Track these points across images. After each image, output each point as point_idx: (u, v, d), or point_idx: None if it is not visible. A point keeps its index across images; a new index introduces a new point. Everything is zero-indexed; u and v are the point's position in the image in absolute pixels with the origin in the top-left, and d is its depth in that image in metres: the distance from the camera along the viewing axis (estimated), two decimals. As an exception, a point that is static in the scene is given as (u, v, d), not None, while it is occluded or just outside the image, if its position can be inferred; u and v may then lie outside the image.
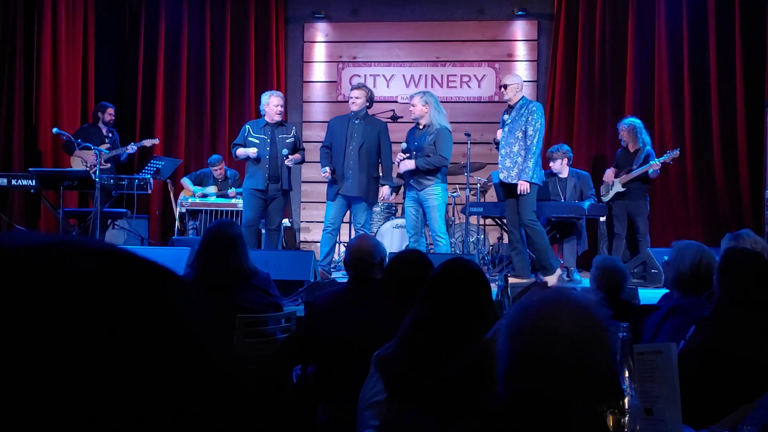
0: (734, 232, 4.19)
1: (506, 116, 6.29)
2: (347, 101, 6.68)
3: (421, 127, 6.31)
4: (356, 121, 6.44)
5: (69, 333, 0.39)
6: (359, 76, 9.03)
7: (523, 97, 6.28)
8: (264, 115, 6.57)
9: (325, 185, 6.61)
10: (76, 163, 7.68)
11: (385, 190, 6.53)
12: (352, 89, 6.62)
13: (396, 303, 2.89)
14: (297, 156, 6.58)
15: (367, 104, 6.51)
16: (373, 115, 6.68)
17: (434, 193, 6.24)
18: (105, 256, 0.44)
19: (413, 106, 6.30)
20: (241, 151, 6.54)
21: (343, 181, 6.37)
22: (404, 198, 6.57)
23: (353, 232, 6.54)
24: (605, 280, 3.84)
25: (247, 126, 6.72)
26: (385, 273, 2.92)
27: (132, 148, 7.70)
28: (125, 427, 0.38)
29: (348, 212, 6.60)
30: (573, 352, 1.23)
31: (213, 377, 0.44)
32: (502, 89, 6.32)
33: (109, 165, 7.51)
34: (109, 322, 0.40)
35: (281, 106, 6.59)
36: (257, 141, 6.50)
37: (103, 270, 0.42)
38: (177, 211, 8.24)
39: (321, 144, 6.72)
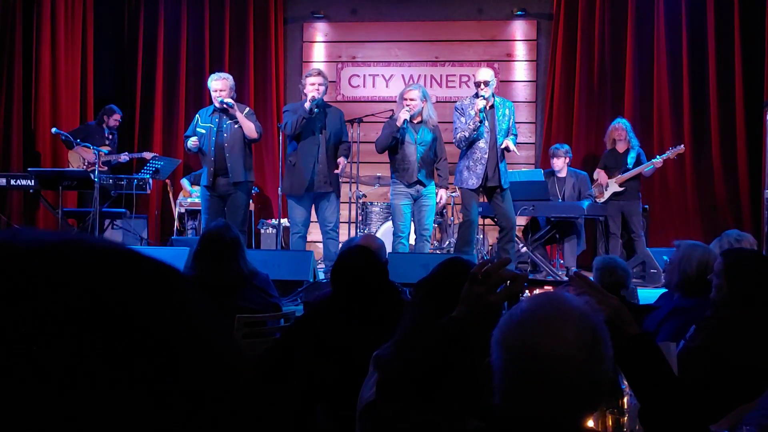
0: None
1: (471, 111, 5.89)
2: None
3: (415, 121, 6.11)
4: (317, 111, 6.01)
5: (76, 333, 0.39)
6: (358, 76, 9.03)
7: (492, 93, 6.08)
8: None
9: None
10: (74, 158, 7.70)
11: (341, 160, 6.09)
12: (310, 76, 6.05)
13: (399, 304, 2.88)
14: (246, 121, 5.94)
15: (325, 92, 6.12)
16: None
17: (433, 191, 6.21)
18: (111, 254, 0.44)
19: (411, 100, 6.01)
20: (191, 143, 6.00)
21: (315, 177, 5.96)
22: (391, 194, 6.22)
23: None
24: (607, 279, 3.83)
25: (197, 114, 6.22)
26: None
27: (124, 158, 7.68)
28: (133, 424, 0.38)
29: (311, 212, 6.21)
30: (575, 368, 1.22)
31: (221, 373, 0.44)
32: (483, 86, 5.93)
33: (106, 167, 7.53)
34: (118, 321, 0.40)
35: (220, 91, 5.97)
36: (204, 130, 6.01)
37: (110, 269, 0.43)
38: (176, 211, 8.25)
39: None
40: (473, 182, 5.98)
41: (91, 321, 0.39)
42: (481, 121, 5.88)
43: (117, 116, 7.89)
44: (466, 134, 5.92)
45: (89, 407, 0.37)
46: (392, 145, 6.06)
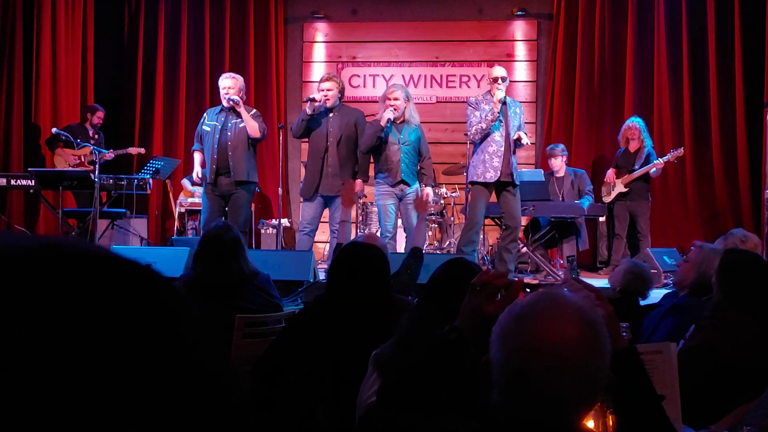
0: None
1: (488, 106, 5.91)
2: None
3: (398, 122, 6.09)
4: (330, 114, 6.08)
5: (55, 341, 0.38)
6: (359, 76, 9.03)
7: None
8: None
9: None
10: (58, 161, 7.69)
11: (359, 183, 6.18)
12: (321, 81, 6.17)
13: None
14: (250, 119, 5.99)
15: (340, 95, 6.15)
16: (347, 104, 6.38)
17: (418, 190, 6.19)
18: (93, 260, 0.43)
19: (395, 99, 6.01)
20: (195, 177, 6.16)
21: (323, 179, 6.02)
22: (376, 195, 6.21)
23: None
24: (631, 284, 3.81)
25: (205, 113, 6.32)
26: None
27: (110, 156, 7.66)
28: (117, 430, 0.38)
29: (325, 212, 6.25)
30: (574, 361, 1.22)
31: (206, 380, 0.43)
32: (500, 81, 5.95)
33: (92, 167, 7.51)
34: (99, 328, 0.40)
35: (228, 89, 6.04)
36: (209, 128, 6.08)
37: (91, 275, 0.42)
38: (176, 211, 8.26)
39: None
40: (491, 175, 5.95)
41: (78, 323, 0.39)
42: (499, 112, 5.90)
43: (100, 113, 7.88)
44: (483, 125, 5.92)
45: (67, 414, 0.37)
46: (377, 145, 6.07)
